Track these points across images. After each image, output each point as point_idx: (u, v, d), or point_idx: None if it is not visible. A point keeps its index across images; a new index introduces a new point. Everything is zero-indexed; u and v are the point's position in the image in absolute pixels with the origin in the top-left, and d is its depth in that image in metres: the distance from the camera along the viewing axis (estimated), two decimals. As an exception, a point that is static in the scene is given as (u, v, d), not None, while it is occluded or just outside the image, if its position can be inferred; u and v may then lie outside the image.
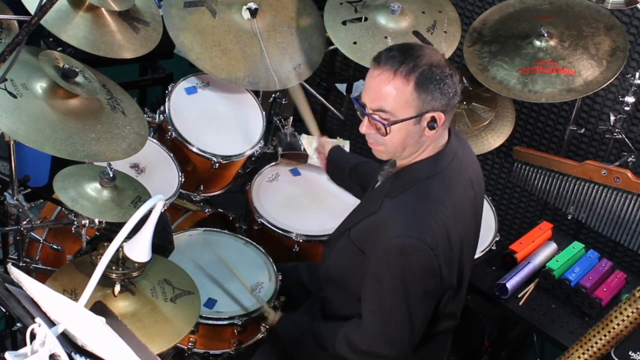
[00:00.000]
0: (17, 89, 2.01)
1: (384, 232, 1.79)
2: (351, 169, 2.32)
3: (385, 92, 1.73)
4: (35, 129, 1.98)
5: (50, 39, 3.23)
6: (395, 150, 1.82)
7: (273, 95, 3.09)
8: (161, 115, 2.71)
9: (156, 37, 2.51)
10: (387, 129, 1.76)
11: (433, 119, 1.76)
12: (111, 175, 2.06)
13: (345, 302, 2.02)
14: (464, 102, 2.88)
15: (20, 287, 1.44)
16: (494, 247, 2.65)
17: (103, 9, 2.34)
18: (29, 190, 2.38)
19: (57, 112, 2.06)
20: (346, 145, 2.84)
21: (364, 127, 1.81)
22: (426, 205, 1.79)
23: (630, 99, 2.75)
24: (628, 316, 1.78)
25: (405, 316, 1.81)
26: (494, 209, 2.80)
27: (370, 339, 1.86)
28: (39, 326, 1.23)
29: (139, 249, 1.69)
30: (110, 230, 2.16)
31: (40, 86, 2.08)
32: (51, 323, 1.32)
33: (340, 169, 2.37)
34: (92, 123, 2.12)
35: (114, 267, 1.86)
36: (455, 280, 1.86)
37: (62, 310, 1.35)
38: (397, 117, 1.74)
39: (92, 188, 2.06)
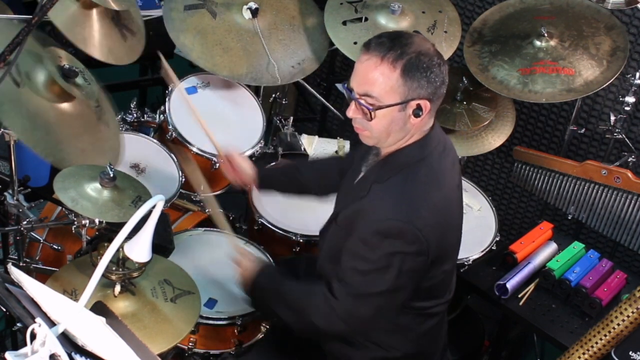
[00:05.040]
0: (20, 76, 1.99)
1: (371, 214, 1.80)
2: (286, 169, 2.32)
3: (372, 78, 1.75)
4: (31, 127, 1.97)
5: (51, 39, 3.22)
6: (380, 136, 1.84)
7: (273, 95, 3.09)
8: (161, 115, 2.71)
9: (139, 48, 2.48)
10: (372, 114, 1.78)
11: (419, 107, 1.77)
12: (111, 175, 2.06)
13: None
14: (464, 102, 2.88)
15: (21, 287, 1.44)
16: (494, 247, 2.65)
17: (95, 10, 2.32)
18: (29, 190, 2.38)
19: (52, 113, 2.05)
20: (346, 145, 2.85)
21: (351, 112, 1.83)
22: (415, 189, 1.81)
23: (630, 99, 2.75)
24: (628, 316, 1.78)
25: (384, 294, 1.83)
26: (494, 209, 2.79)
27: (343, 310, 1.85)
28: (39, 326, 1.23)
29: (139, 249, 1.69)
30: (110, 231, 2.16)
31: (40, 79, 2.06)
32: (51, 323, 1.32)
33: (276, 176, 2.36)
34: (80, 132, 2.12)
35: (114, 268, 1.86)
36: (446, 260, 1.89)
37: (62, 310, 1.35)
38: (382, 102, 1.76)
39: (92, 188, 2.06)
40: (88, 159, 2.10)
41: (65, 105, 2.10)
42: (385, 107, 1.77)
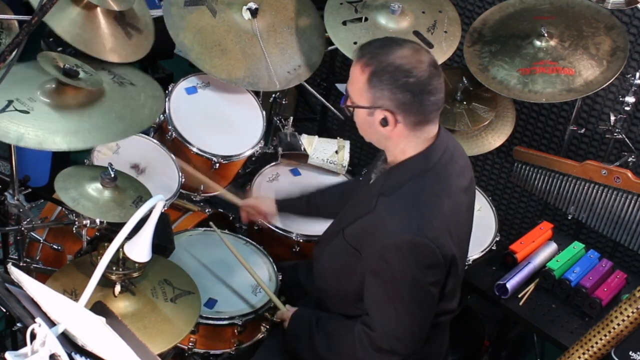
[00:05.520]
0: (25, 104, 2.02)
1: (382, 230, 1.80)
2: (308, 198, 2.40)
3: (350, 76, 1.84)
4: (60, 133, 1.98)
5: (51, 39, 3.23)
6: (362, 132, 1.90)
7: (273, 95, 3.09)
8: (161, 115, 2.71)
9: (147, 45, 2.50)
10: (347, 109, 1.87)
11: (385, 117, 1.79)
12: (112, 175, 2.06)
13: (338, 303, 2.02)
14: (464, 102, 2.88)
15: (21, 287, 1.44)
16: (494, 247, 2.65)
17: (100, 9, 2.34)
18: (30, 190, 2.38)
19: (71, 109, 2.06)
20: (346, 145, 2.84)
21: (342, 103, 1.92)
22: (422, 200, 1.81)
23: (630, 99, 2.75)
24: (628, 316, 1.78)
25: (415, 311, 1.83)
26: (494, 209, 2.80)
27: (386, 338, 1.86)
28: (39, 326, 1.23)
29: (139, 249, 1.69)
30: (110, 231, 2.17)
31: (44, 93, 2.07)
32: (51, 323, 1.32)
33: (294, 205, 2.44)
34: (107, 105, 2.13)
35: (114, 268, 1.87)
36: (460, 267, 1.89)
37: (62, 310, 1.35)
38: (354, 101, 1.83)
39: (93, 188, 2.06)
40: (129, 119, 2.14)
41: (78, 97, 2.11)
42: (354, 107, 1.83)
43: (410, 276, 1.78)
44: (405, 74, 1.75)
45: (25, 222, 2.28)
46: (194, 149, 2.62)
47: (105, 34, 2.35)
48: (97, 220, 2.15)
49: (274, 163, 2.82)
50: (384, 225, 1.80)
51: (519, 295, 2.38)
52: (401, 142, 1.85)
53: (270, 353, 2.15)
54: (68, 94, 2.09)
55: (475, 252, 2.58)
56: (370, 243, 1.83)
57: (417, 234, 1.75)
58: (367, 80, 1.77)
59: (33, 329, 1.23)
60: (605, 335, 1.82)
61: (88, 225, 2.18)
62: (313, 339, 2.02)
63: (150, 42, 2.52)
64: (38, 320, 1.23)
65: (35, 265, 2.48)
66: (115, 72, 2.30)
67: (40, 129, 1.97)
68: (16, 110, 1.99)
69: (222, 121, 2.79)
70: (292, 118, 2.85)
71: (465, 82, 2.85)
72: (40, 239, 2.48)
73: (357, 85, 1.80)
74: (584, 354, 1.86)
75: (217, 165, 2.64)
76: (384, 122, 1.80)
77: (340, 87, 3.66)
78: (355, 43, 2.71)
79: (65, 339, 1.30)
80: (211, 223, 2.45)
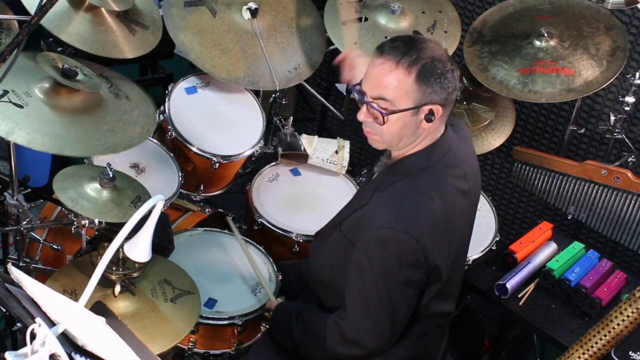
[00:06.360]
0: (20, 98, 2.00)
1: (371, 223, 1.80)
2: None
3: (387, 82, 1.75)
4: (51, 135, 1.98)
5: (51, 39, 3.22)
6: (391, 140, 1.84)
7: (273, 95, 3.08)
8: (161, 115, 2.70)
9: (154, 40, 2.51)
10: (385, 118, 1.78)
11: (431, 112, 1.78)
12: (111, 175, 2.06)
13: (336, 297, 2.02)
14: (464, 102, 2.88)
15: (20, 287, 1.44)
16: (494, 247, 2.65)
17: (102, 9, 2.34)
18: (29, 190, 2.38)
19: (65, 113, 2.06)
20: (346, 145, 2.84)
21: (362, 115, 1.83)
22: (413, 198, 1.80)
23: (630, 99, 2.75)
24: (628, 316, 1.78)
25: (387, 307, 1.82)
26: (494, 209, 2.79)
27: (354, 329, 1.87)
28: (39, 326, 1.23)
29: (139, 249, 1.69)
30: (110, 231, 2.16)
31: (41, 90, 2.07)
32: (51, 323, 1.32)
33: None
34: (101, 115, 2.13)
35: (114, 268, 1.87)
36: (444, 272, 1.86)
37: (62, 310, 1.35)
38: (396, 107, 1.77)
39: (92, 188, 2.06)
40: (120, 134, 2.12)
41: (74, 101, 2.11)
42: (399, 112, 1.77)
43: (389, 271, 1.78)
44: (444, 65, 1.76)
45: (24, 222, 2.28)
46: (194, 149, 2.62)
47: (106, 31, 2.35)
48: (96, 221, 2.15)
49: (273, 163, 2.81)
50: (372, 218, 1.81)
51: (519, 295, 2.38)
52: (426, 137, 1.84)
53: (266, 347, 2.16)
54: (64, 95, 2.09)
55: (475, 252, 2.58)
56: (360, 235, 1.83)
57: (402, 230, 1.75)
58: (416, 80, 1.74)
59: (33, 329, 1.23)
60: (605, 335, 1.82)
61: (87, 225, 2.18)
62: (292, 330, 2.03)
63: (157, 37, 2.53)
64: (38, 320, 1.23)
65: (35, 265, 2.48)
66: (112, 82, 2.29)
67: (31, 126, 1.96)
68: (10, 102, 1.98)
69: (222, 121, 2.79)
70: (292, 118, 2.84)
71: (465, 82, 2.85)
72: (40, 239, 2.48)
73: (403, 89, 1.74)
74: (583, 354, 1.86)
75: (217, 165, 2.64)
76: (430, 117, 1.78)
77: (340, 87, 3.66)
78: (355, 43, 2.72)
79: (65, 339, 1.30)
80: (228, 219, 2.49)
